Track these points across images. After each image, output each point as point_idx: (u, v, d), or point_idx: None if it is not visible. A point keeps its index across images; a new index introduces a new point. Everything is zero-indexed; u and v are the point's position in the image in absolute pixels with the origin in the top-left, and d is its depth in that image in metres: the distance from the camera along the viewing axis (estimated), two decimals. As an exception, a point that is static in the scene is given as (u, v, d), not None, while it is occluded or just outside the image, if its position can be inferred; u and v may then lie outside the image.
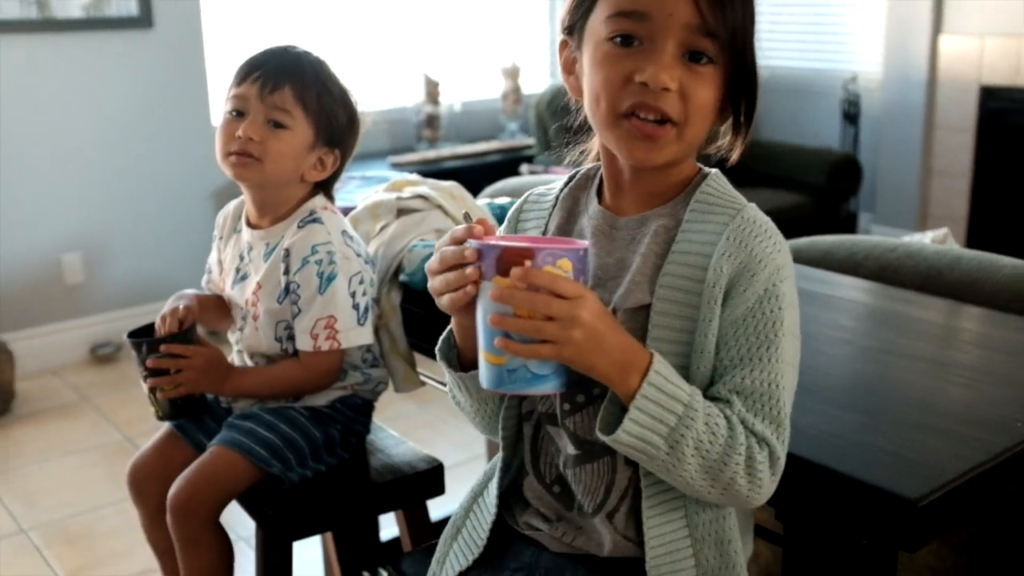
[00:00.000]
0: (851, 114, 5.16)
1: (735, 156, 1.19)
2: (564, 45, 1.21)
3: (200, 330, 1.79)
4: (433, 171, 4.21)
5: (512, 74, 5.22)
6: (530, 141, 5.10)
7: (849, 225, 5.01)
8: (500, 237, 1.10)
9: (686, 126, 1.10)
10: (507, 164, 4.84)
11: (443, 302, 1.07)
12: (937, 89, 4.90)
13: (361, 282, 1.73)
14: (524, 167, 4.80)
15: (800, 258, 2.02)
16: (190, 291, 1.83)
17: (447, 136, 5.04)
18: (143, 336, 1.74)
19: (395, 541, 2.10)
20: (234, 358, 1.87)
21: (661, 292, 1.12)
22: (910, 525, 1.08)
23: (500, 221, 2.03)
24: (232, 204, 1.89)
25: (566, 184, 1.28)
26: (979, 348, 1.59)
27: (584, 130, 1.24)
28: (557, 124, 1.28)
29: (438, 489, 1.83)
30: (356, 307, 1.72)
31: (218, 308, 1.87)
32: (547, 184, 1.32)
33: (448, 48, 5.22)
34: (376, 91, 4.89)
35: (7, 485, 3.04)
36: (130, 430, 3.38)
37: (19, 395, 3.65)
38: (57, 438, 3.36)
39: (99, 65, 3.95)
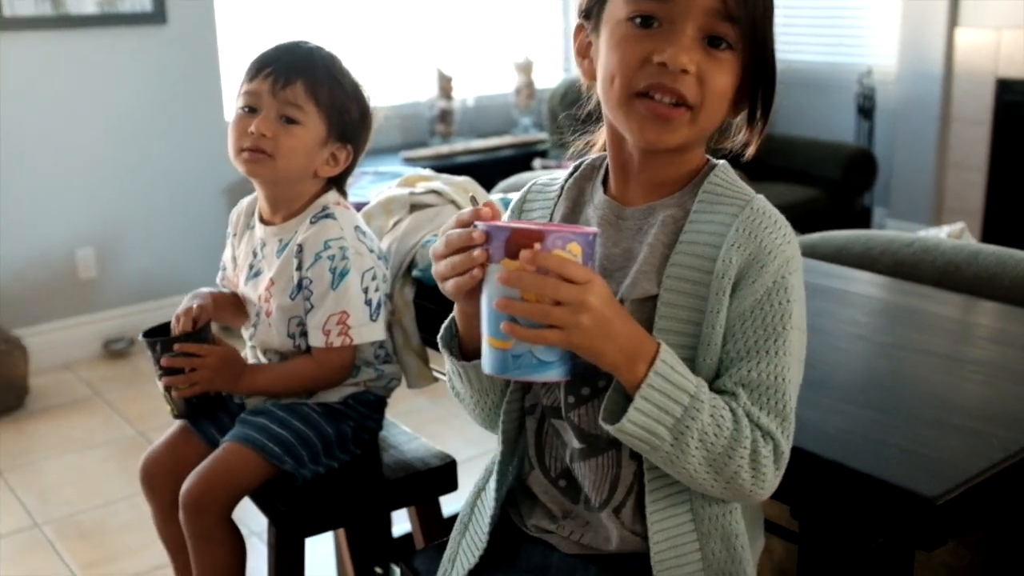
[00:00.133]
0: (866, 108, 5.13)
1: (751, 151, 1.18)
2: (580, 29, 1.20)
3: (214, 327, 1.79)
4: (446, 166, 4.21)
5: (525, 69, 5.21)
6: (543, 136, 5.09)
7: (864, 219, 4.99)
8: (507, 221, 1.08)
9: (701, 110, 1.09)
10: (520, 159, 4.83)
11: (448, 287, 1.05)
12: (953, 82, 4.87)
13: (374, 278, 1.72)
14: (537, 162, 4.79)
15: (815, 253, 2.01)
16: (205, 289, 1.83)
17: (460, 131, 5.04)
18: (158, 335, 1.74)
19: (407, 537, 2.10)
20: (247, 355, 1.86)
21: (668, 283, 1.11)
22: (928, 524, 1.07)
23: (513, 216, 2.03)
24: (245, 200, 1.88)
25: (571, 174, 1.26)
26: (996, 344, 1.58)
27: (592, 119, 1.23)
28: (564, 113, 1.26)
29: (451, 485, 1.83)
30: (368, 303, 1.71)
31: (233, 306, 1.87)
32: (550, 175, 1.31)
33: (461, 43, 5.21)
34: (389, 86, 4.89)
35: (21, 480, 3.05)
36: (143, 425, 3.39)
37: (33, 390, 3.67)
38: (70, 433, 3.37)
39: (112, 61, 3.95)
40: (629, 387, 1.04)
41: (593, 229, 1.04)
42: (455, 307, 1.16)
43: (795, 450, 1.09)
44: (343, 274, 1.68)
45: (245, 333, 1.86)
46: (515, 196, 2.11)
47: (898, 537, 1.12)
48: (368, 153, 1.83)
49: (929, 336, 1.60)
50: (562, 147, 4.76)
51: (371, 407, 1.82)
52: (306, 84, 1.68)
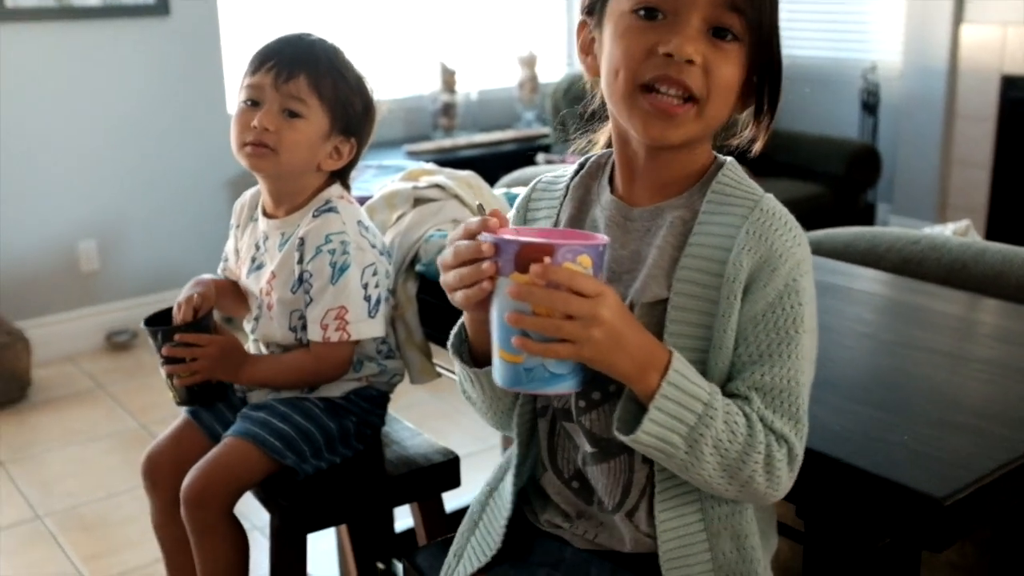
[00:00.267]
0: (870, 104, 5.12)
1: (758, 146, 1.17)
2: (583, 25, 1.18)
3: (216, 315, 1.78)
4: (449, 160, 4.19)
5: (529, 63, 5.20)
6: (546, 130, 5.07)
7: (867, 216, 4.97)
8: (514, 229, 1.07)
9: (707, 103, 1.08)
10: (523, 153, 4.82)
11: (457, 298, 1.04)
12: (958, 78, 4.85)
13: (375, 273, 1.72)
14: (540, 156, 4.78)
15: (820, 250, 2.00)
16: (207, 276, 1.82)
17: (463, 125, 5.02)
18: (160, 322, 1.74)
19: (409, 532, 2.09)
20: (250, 348, 1.86)
21: (678, 286, 1.10)
22: (936, 525, 1.06)
23: (517, 211, 2.02)
24: (249, 193, 1.87)
25: (576, 172, 1.25)
26: (1002, 343, 1.57)
27: (596, 117, 1.22)
28: (567, 110, 1.25)
29: (454, 482, 1.82)
30: (368, 299, 1.70)
31: (235, 294, 1.86)
32: (555, 172, 1.29)
33: (465, 36, 5.20)
34: (392, 79, 4.87)
35: (23, 472, 3.05)
36: (145, 417, 3.39)
37: (35, 382, 3.66)
38: (73, 425, 3.36)
39: (115, 53, 3.94)
40: (642, 397, 1.03)
41: (603, 239, 1.02)
42: (464, 314, 1.15)
43: (802, 449, 1.09)
44: (343, 269, 1.67)
45: (247, 326, 1.85)
46: (519, 191, 2.11)
47: (905, 538, 1.11)
48: (371, 147, 1.82)
49: (935, 334, 1.59)
50: (565, 142, 4.75)
51: (373, 402, 1.81)
52: (309, 77, 1.67)
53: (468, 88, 5.10)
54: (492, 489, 1.33)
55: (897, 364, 1.48)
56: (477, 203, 1.16)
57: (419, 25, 5.03)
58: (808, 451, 1.11)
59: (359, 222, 1.74)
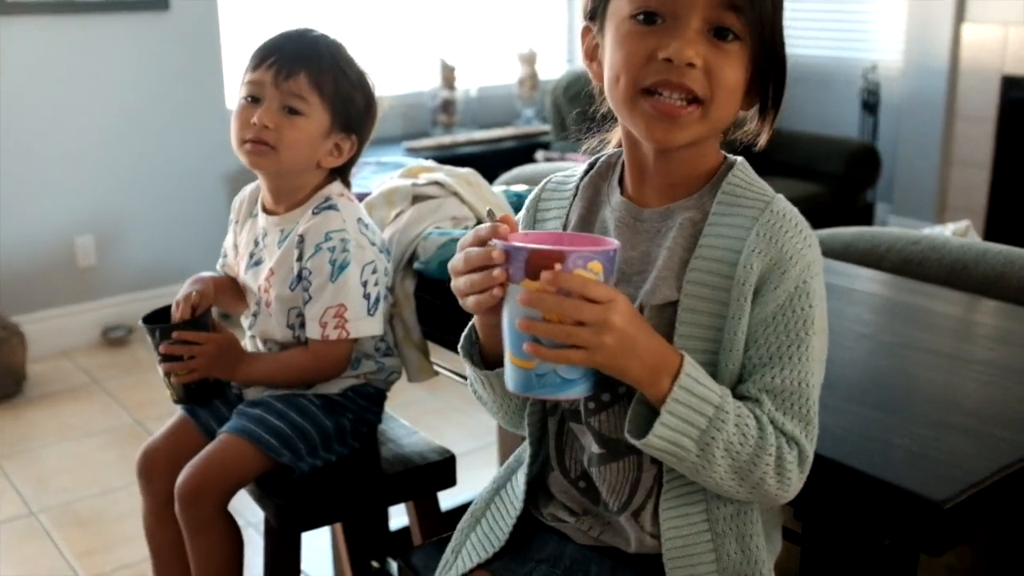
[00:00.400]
0: (871, 103, 5.11)
1: (763, 140, 1.16)
2: (586, 31, 1.18)
3: (214, 311, 1.78)
4: (448, 157, 4.19)
5: (529, 60, 5.19)
6: (546, 128, 5.07)
7: (866, 215, 4.97)
8: (525, 234, 1.07)
9: (711, 104, 1.07)
10: (522, 150, 4.81)
11: (468, 303, 1.04)
12: (958, 78, 4.84)
13: (374, 271, 1.71)
14: (540, 154, 4.77)
15: (821, 249, 1.99)
16: (206, 274, 1.81)
17: (462, 122, 5.01)
18: (158, 319, 1.73)
19: (404, 531, 2.08)
20: (247, 344, 1.85)
21: (689, 288, 1.10)
22: (935, 528, 1.05)
23: (516, 209, 2.01)
24: (248, 188, 1.87)
25: (586, 172, 1.24)
26: (1002, 344, 1.56)
27: (608, 119, 1.22)
28: (578, 111, 1.24)
29: (449, 481, 1.81)
30: (367, 297, 1.69)
31: (233, 291, 1.85)
32: (566, 171, 1.29)
33: (465, 33, 5.19)
34: (392, 75, 4.86)
35: (17, 467, 3.04)
36: (141, 414, 3.38)
37: (31, 377, 3.65)
38: (68, 421, 3.35)
39: (114, 47, 3.93)
40: (654, 401, 1.03)
41: (614, 243, 1.02)
42: (475, 317, 1.15)
43: (800, 450, 1.08)
44: (343, 266, 1.67)
45: (245, 322, 1.84)
46: (518, 188, 2.10)
47: (904, 540, 1.10)
48: (370, 143, 1.81)
49: (935, 336, 1.58)
50: (565, 139, 4.75)
51: (371, 400, 1.80)
52: (310, 75, 1.66)
53: (468, 85, 5.09)
54: (499, 487, 1.33)
55: (896, 365, 1.47)
56: (487, 208, 1.15)
57: (419, 21, 5.02)
58: (807, 453, 1.10)
59: (359, 220, 1.73)
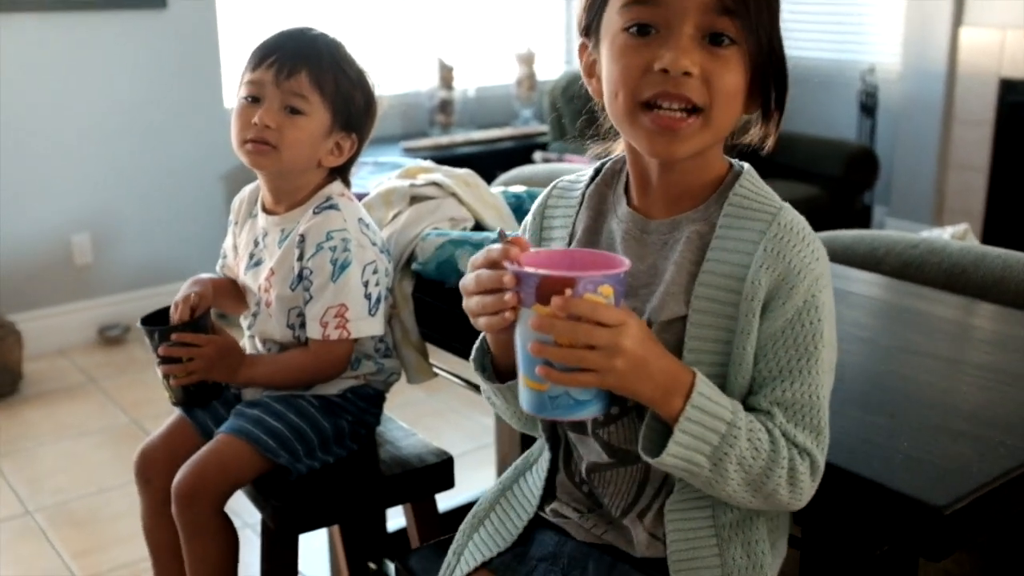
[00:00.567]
0: (868, 106, 5.11)
1: (770, 144, 1.16)
2: (583, 48, 1.17)
3: (213, 314, 1.77)
4: (446, 157, 4.18)
5: (527, 60, 5.18)
6: (544, 128, 5.06)
7: (864, 218, 4.97)
8: (536, 253, 1.06)
9: (711, 112, 1.06)
10: (520, 151, 4.80)
11: (480, 323, 1.05)
12: (956, 81, 4.85)
13: (375, 271, 1.70)
14: (538, 154, 4.76)
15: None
16: (205, 276, 1.81)
17: (460, 122, 5.01)
18: (157, 320, 1.72)
19: (402, 532, 2.08)
20: (246, 344, 1.84)
21: (697, 303, 1.09)
22: (935, 533, 1.05)
23: (514, 211, 2.01)
24: (248, 189, 1.86)
25: (592, 179, 1.24)
26: (1001, 349, 1.56)
27: (612, 132, 1.20)
28: (583, 120, 1.23)
29: (447, 483, 1.80)
30: (368, 296, 1.69)
31: (233, 293, 1.85)
32: (572, 174, 1.28)
33: (463, 32, 5.18)
34: (390, 75, 4.85)
35: (13, 466, 3.03)
36: (137, 413, 3.37)
37: (27, 376, 3.65)
38: (64, 420, 3.35)
39: (111, 45, 3.92)
40: (666, 419, 1.04)
41: (624, 264, 1.02)
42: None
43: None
44: (344, 266, 1.66)
45: (244, 322, 1.84)
46: (516, 189, 2.09)
47: (903, 546, 1.10)
48: (368, 143, 1.81)
49: (934, 339, 1.58)
50: (563, 140, 4.74)
51: (370, 401, 1.79)
52: (311, 74, 1.66)
53: (466, 85, 5.08)
54: (505, 488, 1.34)
55: (895, 369, 1.47)
56: (499, 229, 1.15)
57: (417, 21, 5.01)
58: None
59: (360, 219, 1.73)
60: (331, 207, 1.70)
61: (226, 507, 1.70)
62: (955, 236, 2.48)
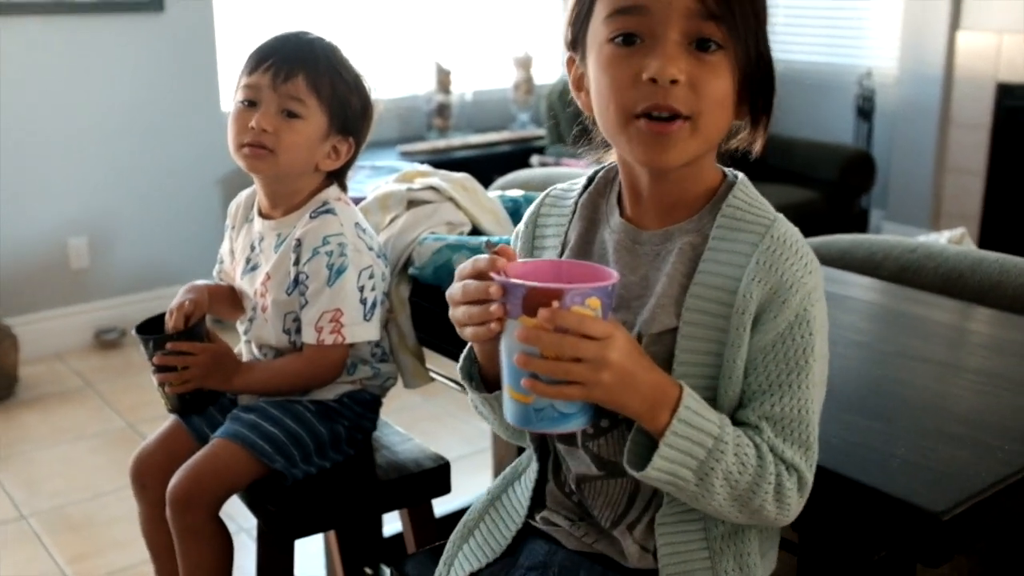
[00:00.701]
0: (865, 110, 5.12)
1: (757, 148, 1.14)
2: (571, 62, 1.16)
3: (209, 320, 1.76)
4: (443, 161, 4.18)
5: (524, 64, 5.18)
6: (541, 132, 5.06)
7: (861, 222, 4.97)
8: (524, 263, 1.06)
9: (700, 119, 1.04)
10: (517, 155, 4.80)
11: (466, 334, 1.04)
12: (953, 85, 4.85)
13: (371, 276, 1.70)
14: (535, 158, 4.76)
15: (817, 257, 1.98)
16: (201, 282, 1.80)
17: (457, 126, 5.00)
18: (152, 328, 1.72)
19: (398, 537, 2.07)
20: (242, 349, 1.84)
21: (688, 316, 1.08)
22: (933, 539, 1.05)
23: (511, 215, 2.01)
24: (244, 193, 1.86)
25: (585, 187, 1.22)
26: (999, 353, 1.56)
27: (606, 143, 1.19)
28: (579, 127, 1.22)
29: (444, 488, 1.80)
30: (364, 302, 1.69)
31: (229, 299, 1.84)
32: (566, 181, 1.27)
33: (460, 36, 5.18)
34: (387, 79, 4.85)
35: (8, 470, 3.02)
36: (133, 417, 3.36)
37: (23, 380, 3.64)
38: (60, 424, 3.34)
39: (108, 48, 3.92)
40: (653, 433, 1.03)
41: (612, 276, 1.01)
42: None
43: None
44: (340, 271, 1.66)
45: (240, 327, 1.83)
46: (513, 194, 2.09)
47: (901, 552, 1.09)
48: (365, 146, 1.80)
49: (931, 344, 1.58)
50: (560, 144, 4.74)
51: (366, 406, 1.79)
52: (307, 77, 1.65)
53: (463, 89, 5.08)
54: (495, 498, 1.32)
55: (892, 374, 1.47)
56: (485, 239, 1.14)
57: (414, 25, 5.01)
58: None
59: (356, 224, 1.72)
60: (328, 211, 1.70)
61: (222, 512, 1.69)
62: (952, 240, 2.48)
